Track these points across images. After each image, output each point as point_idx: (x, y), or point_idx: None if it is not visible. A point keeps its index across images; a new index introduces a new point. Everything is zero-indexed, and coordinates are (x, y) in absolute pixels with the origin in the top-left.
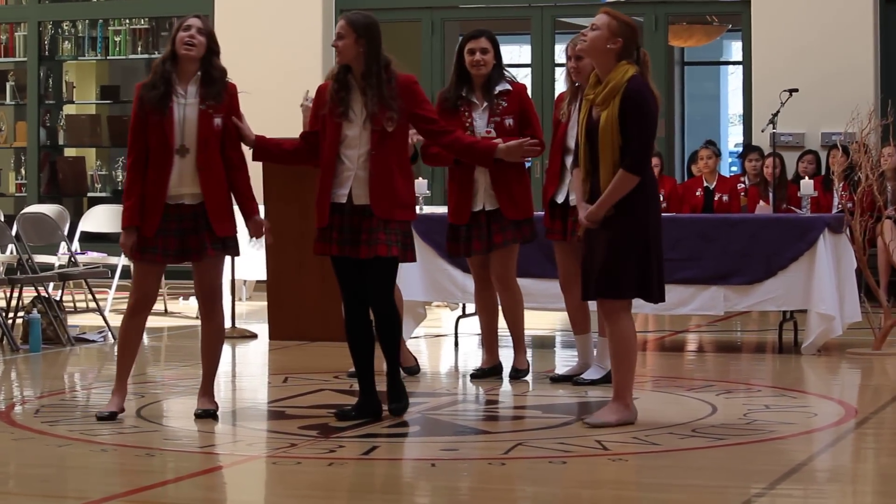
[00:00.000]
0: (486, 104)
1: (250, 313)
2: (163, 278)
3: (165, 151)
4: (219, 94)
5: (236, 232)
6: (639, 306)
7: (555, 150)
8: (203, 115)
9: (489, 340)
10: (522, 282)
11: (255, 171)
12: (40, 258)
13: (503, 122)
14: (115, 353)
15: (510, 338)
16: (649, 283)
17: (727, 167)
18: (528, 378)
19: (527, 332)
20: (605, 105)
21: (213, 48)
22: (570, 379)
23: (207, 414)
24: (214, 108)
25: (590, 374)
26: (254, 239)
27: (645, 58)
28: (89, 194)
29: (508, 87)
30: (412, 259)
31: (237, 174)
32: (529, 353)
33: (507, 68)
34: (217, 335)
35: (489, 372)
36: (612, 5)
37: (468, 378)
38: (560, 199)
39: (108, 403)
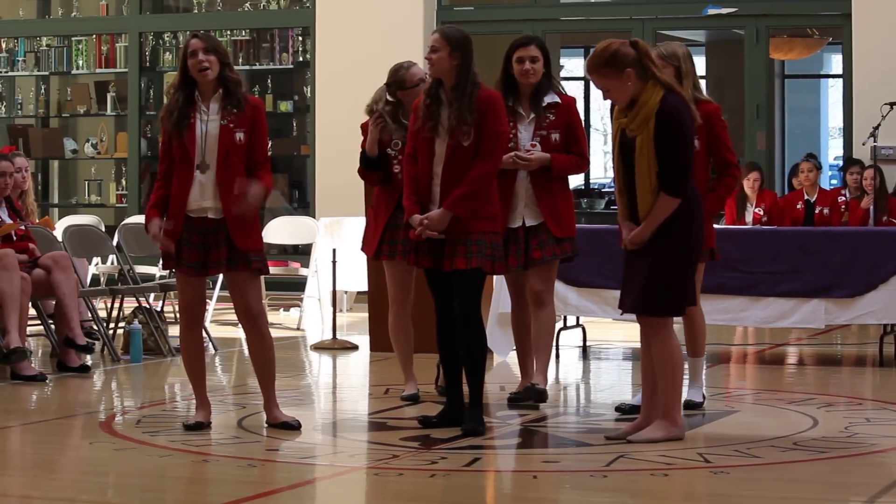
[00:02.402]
0: (532, 116)
1: (351, 325)
2: (205, 290)
3: (187, 167)
4: (238, 101)
5: (261, 247)
6: (740, 319)
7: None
8: (224, 129)
9: (524, 362)
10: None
11: (357, 181)
12: (141, 269)
13: (549, 137)
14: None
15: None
16: (683, 299)
17: (827, 180)
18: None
19: (625, 345)
20: (639, 131)
21: (223, 61)
22: (639, 409)
23: (287, 426)
24: (236, 120)
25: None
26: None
27: (641, 47)
28: None
29: (558, 99)
30: (500, 271)
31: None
32: (629, 364)
33: (557, 79)
34: (262, 354)
35: (525, 395)
36: (714, 18)
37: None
38: None
39: (195, 415)
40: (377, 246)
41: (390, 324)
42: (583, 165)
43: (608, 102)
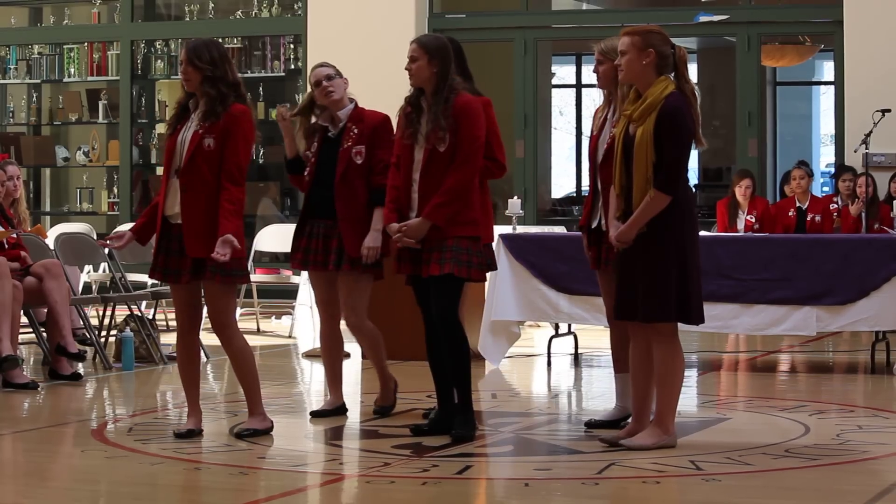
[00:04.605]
0: None
1: (343, 332)
2: (195, 297)
3: (166, 174)
4: (213, 112)
5: (237, 255)
6: (731, 326)
7: (589, 170)
8: (194, 136)
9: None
10: None
11: None
12: (133, 277)
13: None
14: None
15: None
16: (688, 304)
17: (819, 187)
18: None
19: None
20: (641, 121)
21: (206, 74)
22: (608, 425)
23: (255, 433)
24: (208, 127)
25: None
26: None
27: (681, 52)
28: None
29: None
30: (476, 278)
31: (221, 193)
32: None
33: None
34: (240, 360)
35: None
36: (706, 26)
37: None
38: (594, 224)
39: (186, 423)
40: (300, 255)
41: (320, 335)
42: (494, 170)
43: (597, 107)
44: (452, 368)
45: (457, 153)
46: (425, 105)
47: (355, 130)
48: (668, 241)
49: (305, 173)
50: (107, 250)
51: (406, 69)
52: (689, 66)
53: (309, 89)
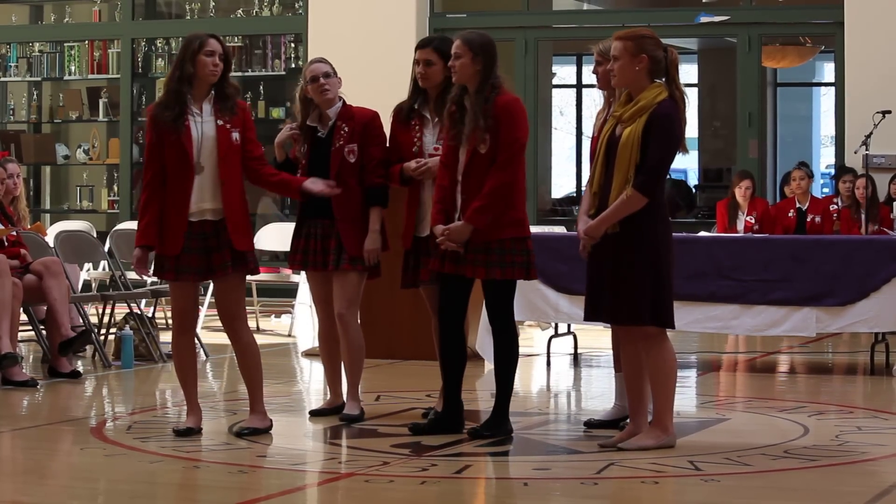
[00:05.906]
0: (437, 119)
1: None
2: (199, 296)
3: (185, 169)
4: (232, 108)
5: (254, 248)
6: (731, 327)
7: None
8: (221, 130)
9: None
10: None
11: None
12: (133, 275)
13: None
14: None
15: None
16: (662, 308)
17: (819, 188)
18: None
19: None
20: (630, 122)
21: (227, 69)
22: (607, 425)
23: (255, 432)
24: (231, 122)
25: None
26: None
27: (672, 56)
28: None
29: None
30: (519, 277)
31: (266, 169)
32: None
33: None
34: (247, 355)
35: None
36: (707, 26)
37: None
38: None
39: (185, 421)
40: (300, 256)
41: (318, 335)
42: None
43: (598, 108)
44: (497, 371)
45: (497, 155)
46: (468, 104)
47: (346, 129)
48: (642, 245)
49: (298, 175)
50: (106, 248)
51: (449, 66)
52: (688, 67)
53: (299, 87)
